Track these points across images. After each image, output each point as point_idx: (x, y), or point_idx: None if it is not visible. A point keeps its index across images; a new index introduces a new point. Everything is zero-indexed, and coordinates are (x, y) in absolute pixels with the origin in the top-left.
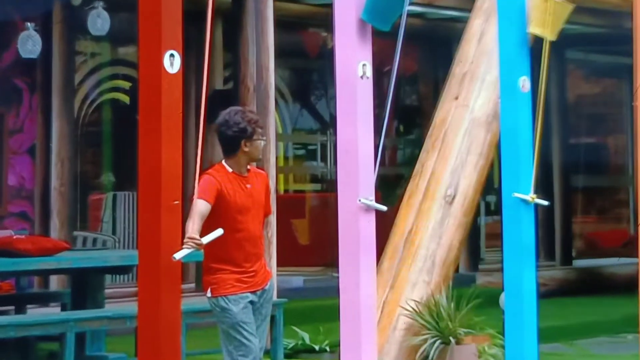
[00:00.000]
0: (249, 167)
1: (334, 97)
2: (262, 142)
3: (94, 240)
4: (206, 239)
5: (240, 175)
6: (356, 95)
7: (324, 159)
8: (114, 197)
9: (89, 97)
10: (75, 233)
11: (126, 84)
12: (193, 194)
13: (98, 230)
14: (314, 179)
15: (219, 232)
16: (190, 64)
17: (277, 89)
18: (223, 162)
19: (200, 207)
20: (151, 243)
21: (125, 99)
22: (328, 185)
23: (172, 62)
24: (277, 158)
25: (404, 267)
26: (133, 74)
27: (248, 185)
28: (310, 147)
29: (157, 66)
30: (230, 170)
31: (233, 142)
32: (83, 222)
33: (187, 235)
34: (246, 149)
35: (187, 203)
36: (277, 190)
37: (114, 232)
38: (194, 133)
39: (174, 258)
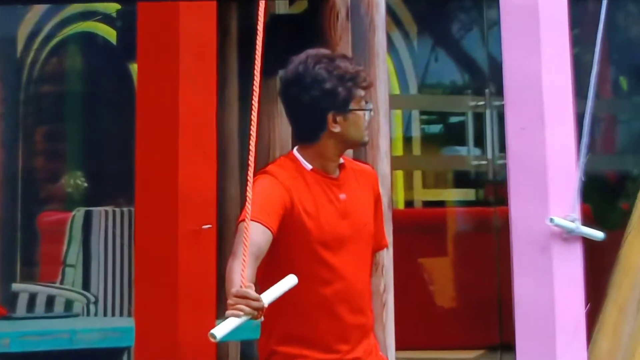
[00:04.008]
0: (342, 159)
1: (494, 27)
2: (368, 114)
3: (50, 301)
4: (269, 297)
5: (327, 175)
6: (538, 24)
7: (479, 142)
8: (87, 218)
9: (42, 29)
10: (16, 287)
11: (111, 7)
12: (242, 210)
13: (57, 282)
14: (462, 181)
15: (289, 282)
16: None
17: (390, 14)
18: (295, 151)
19: (253, 236)
20: (159, 305)
21: (109, 32)
22: (490, 193)
23: None
24: (391, 141)
25: None
26: None
27: (342, 195)
28: (452, 120)
29: None
30: (308, 166)
31: (312, 115)
32: (28, 265)
33: (230, 290)
34: (336, 129)
35: (228, 227)
36: (392, 203)
37: (86, 286)
38: (237, 96)
39: (214, 337)
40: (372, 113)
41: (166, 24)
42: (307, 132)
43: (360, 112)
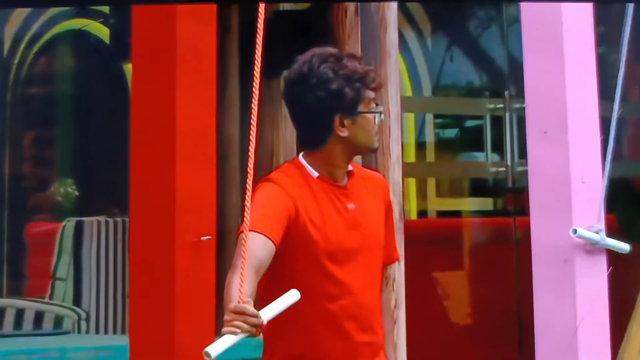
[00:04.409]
0: (350, 166)
1: (514, 24)
2: (378, 117)
3: (39, 317)
4: (268, 313)
5: (335, 184)
6: (561, 23)
7: (498, 147)
8: (78, 229)
9: (30, 27)
10: (2, 302)
11: (104, 6)
12: (243, 220)
13: (46, 297)
14: (479, 189)
15: (291, 297)
16: None
17: (402, 10)
18: (300, 158)
19: (255, 248)
20: (155, 322)
21: (102, 31)
22: (509, 202)
23: None
24: (403, 147)
25: None
26: None
27: (350, 205)
28: (468, 124)
29: None
30: (314, 174)
31: (318, 118)
32: (15, 279)
33: (228, 306)
34: (344, 133)
35: (228, 238)
36: (404, 213)
37: (77, 301)
38: (238, 98)
39: (208, 355)
40: (382, 116)
41: (163, 27)
42: (312, 137)
43: (370, 115)
